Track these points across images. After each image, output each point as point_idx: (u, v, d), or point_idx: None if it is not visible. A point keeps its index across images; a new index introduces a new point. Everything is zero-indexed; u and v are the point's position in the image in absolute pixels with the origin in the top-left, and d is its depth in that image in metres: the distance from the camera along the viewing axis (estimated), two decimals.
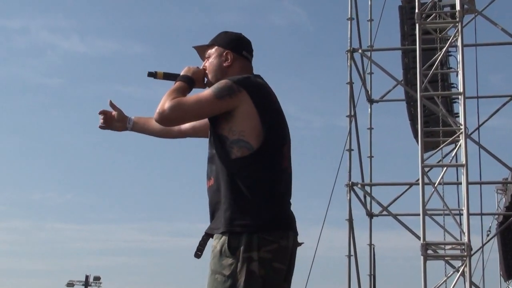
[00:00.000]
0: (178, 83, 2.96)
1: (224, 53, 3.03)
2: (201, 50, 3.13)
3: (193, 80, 3.00)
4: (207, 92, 2.82)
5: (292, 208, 2.87)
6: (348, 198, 10.56)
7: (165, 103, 2.79)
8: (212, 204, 2.83)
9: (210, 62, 3.06)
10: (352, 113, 11.15)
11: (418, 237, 9.09)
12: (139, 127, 3.38)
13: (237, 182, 2.74)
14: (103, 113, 3.40)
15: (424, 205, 8.87)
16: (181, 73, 3.04)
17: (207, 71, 3.06)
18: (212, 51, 3.07)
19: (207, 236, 2.82)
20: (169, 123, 2.88)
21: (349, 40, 11.19)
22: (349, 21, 11.28)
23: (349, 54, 11.09)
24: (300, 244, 2.84)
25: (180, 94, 2.87)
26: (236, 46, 3.05)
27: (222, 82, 2.82)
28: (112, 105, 3.39)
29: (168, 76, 3.10)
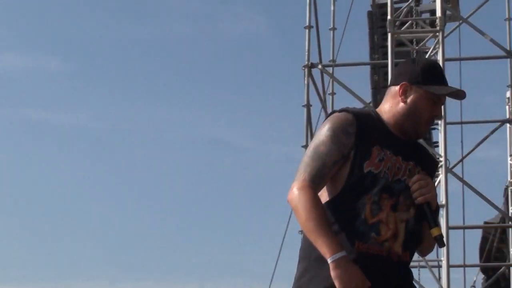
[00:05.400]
0: None
1: None
2: None
3: None
4: None
5: None
6: None
7: None
8: None
9: None
10: (309, 143, 9.57)
11: None
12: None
13: None
14: None
15: None
16: None
17: None
18: None
19: None
20: None
21: (306, 53, 9.77)
22: (307, 30, 9.88)
23: (306, 70, 9.65)
24: None
25: None
26: None
27: None
28: None
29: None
